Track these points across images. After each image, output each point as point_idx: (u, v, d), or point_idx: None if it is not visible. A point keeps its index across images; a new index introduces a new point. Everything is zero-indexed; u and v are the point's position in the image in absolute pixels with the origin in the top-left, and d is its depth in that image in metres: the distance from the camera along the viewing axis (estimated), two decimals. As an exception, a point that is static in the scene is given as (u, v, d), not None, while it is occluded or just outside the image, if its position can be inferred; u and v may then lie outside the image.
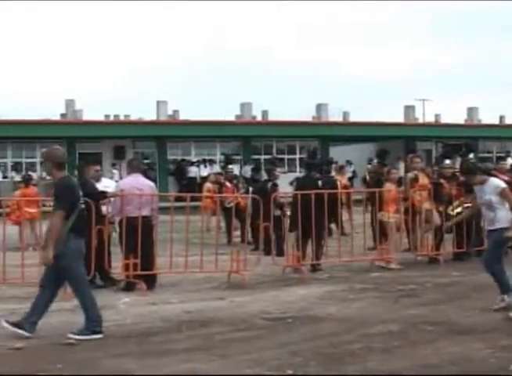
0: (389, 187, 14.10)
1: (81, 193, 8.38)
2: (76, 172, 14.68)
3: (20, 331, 8.13)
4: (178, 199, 17.33)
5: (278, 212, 14.23)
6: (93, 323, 8.24)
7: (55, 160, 8.34)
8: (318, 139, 40.61)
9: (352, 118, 43.69)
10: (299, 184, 14.53)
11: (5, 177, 34.68)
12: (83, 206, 8.45)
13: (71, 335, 8.08)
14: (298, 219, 13.06)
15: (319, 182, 13.90)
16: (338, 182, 16.59)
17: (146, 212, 11.41)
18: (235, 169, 30.65)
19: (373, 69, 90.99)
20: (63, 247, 8.02)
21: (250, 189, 17.46)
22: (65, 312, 9.73)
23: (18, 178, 31.44)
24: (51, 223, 8.16)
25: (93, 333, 8.16)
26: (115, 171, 33.95)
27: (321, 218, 13.10)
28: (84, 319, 8.27)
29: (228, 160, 36.84)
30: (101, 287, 11.43)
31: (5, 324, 8.21)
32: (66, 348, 7.77)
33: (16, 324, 8.20)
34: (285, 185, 18.87)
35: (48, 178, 31.48)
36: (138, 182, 11.69)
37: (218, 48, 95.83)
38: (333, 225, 16.72)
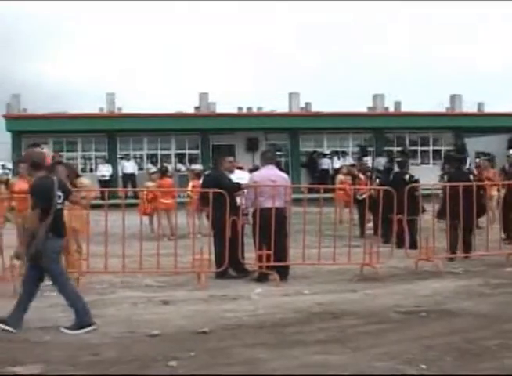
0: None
1: (59, 193, 8.40)
2: (210, 164, 14.96)
3: (6, 328, 8.24)
4: (310, 191, 17.30)
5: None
6: (82, 315, 8.36)
7: (33, 162, 8.55)
8: (451, 131, 39.67)
9: (487, 109, 42.33)
10: (452, 178, 14.42)
11: (140, 169, 35.56)
12: (60, 206, 8.48)
13: (64, 330, 8.22)
14: (447, 211, 12.97)
15: (471, 177, 13.91)
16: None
17: (279, 204, 11.44)
18: (369, 161, 30.38)
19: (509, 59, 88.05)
20: (41, 247, 8.16)
21: (377, 180, 17.32)
22: (197, 300, 9.92)
23: (153, 169, 32.26)
24: (27, 222, 8.37)
25: (82, 327, 8.23)
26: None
27: (471, 212, 13.00)
28: (74, 313, 8.37)
29: (363, 152, 36.57)
30: (234, 278, 11.58)
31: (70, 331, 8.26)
32: (201, 336, 7.89)
33: (1, 321, 8.33)
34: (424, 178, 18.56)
35: (185, 168, 32.05)
36: (272, 174, 11.75)
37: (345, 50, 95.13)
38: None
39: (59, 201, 8.35)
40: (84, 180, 12.07)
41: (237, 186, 11.90)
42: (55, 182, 8.38)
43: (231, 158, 12.87)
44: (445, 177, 16.16)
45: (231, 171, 12.61)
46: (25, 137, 36.09)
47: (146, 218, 15.87)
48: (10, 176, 30.62)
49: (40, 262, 8.19)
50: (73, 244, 11.32)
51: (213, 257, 11.41)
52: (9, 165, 38.97)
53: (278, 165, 12.69)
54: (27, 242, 8.28)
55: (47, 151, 35.27)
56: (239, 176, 12.95)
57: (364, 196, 15.05)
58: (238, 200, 11.86)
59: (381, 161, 34.53)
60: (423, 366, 6.69)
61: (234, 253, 11.31)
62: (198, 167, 29.73)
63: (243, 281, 11.42)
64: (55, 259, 8.38)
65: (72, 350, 7.34)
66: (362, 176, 19.30)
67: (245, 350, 7.31)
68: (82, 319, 8.25)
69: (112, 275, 11.48)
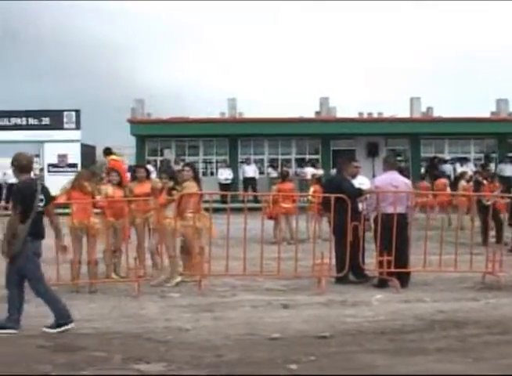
0: None
1: (41, 197, 8.46)
2: (332, 169, 14.87)
3: (7, 331, 8.36)
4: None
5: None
6: (60, 316, 8.45)
7: (18, 164, 8.66)
8: None
9: None
10: None
11: (261, 173, 35.84)
12: (41, 209, 8.52)
13: (44, 329, 8.34)
14: None
15: None
16: None
17: (401, 209, 11.34)
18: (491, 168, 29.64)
19: None
20: (21, 249, 8.27)
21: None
22: (317, 305, 9.95)
23: (274, 174, 32.43)
24: (7, 224, 8.38)
25: (60, 325, 8.36)
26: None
27: None
28: (53, 314, 8.47)
29: (488, 159, 35.75)
30: (354, 283, 11.54)
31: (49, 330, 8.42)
32: (321, 340, 7.91)
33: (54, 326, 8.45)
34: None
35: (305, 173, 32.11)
36: (394, 179, 11.66)
37: (466, 51, 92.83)
38: None
39: (41, 205, 8.50)
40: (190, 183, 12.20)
41: (359, 192, 11.88)
42: (39, 186, 8.60)
43: (356, 163, 12.83)
44: None
45: (354, 176, 12.58)
46: (149, 141, 37.01)
47: (268, 222, 15.96)
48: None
49: (16, 262, 8.38)
50: (195, 247, 11.55)
51: (333, 262, 11.41)
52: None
53: (401, 171, 12.54)
54: (7, 243, 8.39)
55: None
56: (361, 181, 12.91)
57: (489, 202, 14.71)
58: (360, 205, 11.83)
59: (504, 168, 33.67)
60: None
61: (355, 258, 11.27)
62: (319, 171, 29.82)
63: (363, 287, 11.37)
64: (32, 259, 8.51)
65: (195, 350, 7.49)
66: (485, 182, 18.86)
67: (365, 356, 7.29)
68: (60, 320, 8.44)
69: (233, 278, 11.65)
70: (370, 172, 30.21)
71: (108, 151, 18.69)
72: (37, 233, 8.55)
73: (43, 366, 6.95)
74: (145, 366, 6.94)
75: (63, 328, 8.36)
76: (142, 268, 11.19)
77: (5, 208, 12.56)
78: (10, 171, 33.14)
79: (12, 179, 32.13)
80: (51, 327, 8.39)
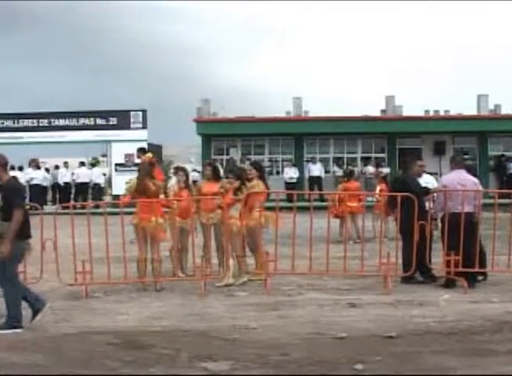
0: None
1: (24, 195, 8.57)
2: (397, 167, 14.76)
3: (18, 330, 8.44)
4: (500, 196, 16.76)
5: None
6: (12, 319, 8.47)
7: (5, 163, 8.67)
8: None
9: None
10: None
11: (327, 172, 35.76)
12: (27, 207, 8.58)
13: None
14: None
15: None
16: None
17: (469, 209, 11.19)
18: None
19: None
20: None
21: None
22: (383, 305, 9.90)
23: (339, 172, 32.34)
24: (13, 221, 8.36)
25: (13, 328, 8.40)
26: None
27: None
28: (6, 315, 8.51)
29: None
30: (421, 283, 11.44)
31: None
32: (387, 340, 7.87)
33: (9, 327, 8.48)
34: None
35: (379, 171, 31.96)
36: (462, 178, 11.52)
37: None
38: None
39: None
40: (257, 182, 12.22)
41: (425, 190, 11.78)
42: (21, 185, 8.80)
43: (421, 162, 12.71)
44: None
45: (419, 175, 12.47)
46: (215, 140, 37.24)
47: (334, 221, 15.91)
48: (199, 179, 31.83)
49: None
50: (261, 245, 11.58)
51: (400, 261, 11.33)
52: (199, 168, 40.33)
53: (470, 170, 12.36)
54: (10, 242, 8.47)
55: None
56: (427, 180, 12.78)
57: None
58: (426, 204, 11.72)
59: None
60: None
61: (421, 258, 11.17)
62: (385, 170, 29.61)
63: (429, 286, 11.26)
64: (14, 261, 8.60)
65: (261, 349, 7.53)
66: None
67: (433, 357, 7.23)
68: (10, 322, 8.50)
69: (299, 276, 11.67)
70: (437, 171, 29.89)
71: (143, 151, 19.03)
72: (23, 233, 8.65)
73: (112, 363, 7.07)
74: (211, 365, 7.00)
75: (18, 330, 8.46)
76: (208, 266, 11.27)
77: (77, 207, 12.79)
78: (79, 171, 33.90)
79: (81, 179, 32.87)
80: (1, 327, 8.48)
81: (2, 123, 34.23)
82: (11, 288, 8.61)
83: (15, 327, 8.47)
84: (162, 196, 11.91)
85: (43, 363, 7.14)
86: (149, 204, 11.33)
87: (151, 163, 11.93)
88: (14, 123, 34.19)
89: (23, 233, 8.64)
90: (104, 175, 35.93)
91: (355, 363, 6.95)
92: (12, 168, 34.69)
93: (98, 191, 33.87)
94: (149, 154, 18.66)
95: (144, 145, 32.69)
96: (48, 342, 7.96)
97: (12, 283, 8.63)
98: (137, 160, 31.84)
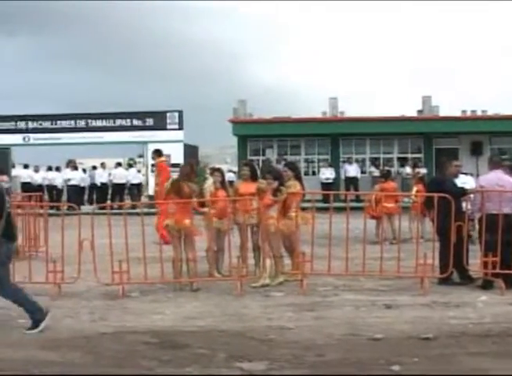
0: None
1: (7, 198, 8.43)
2: (434, 168, 14.67)
3: (42, 325, 8.46)
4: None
5: None
6: (34, 315, 8.48)
7: None
8: None
9: None
10: None
11: (363, 172, 35.68)
12: (9, 210, 8.47)
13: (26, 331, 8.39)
14: None
15: None
16: None
17: (507, 210, 11.09)
18: None
19: None
20: None
21: None
22: (420, 306, 9.84)
23: (376, 173, 32.23)
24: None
25: (38, 323, 8.44)
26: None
27: None
28: (28, 314, 8.52)
29: None
30: (458, 285, 11.35)
31: (30, 331, 8.43)
32: (424, 342, 7.82)
33: (33, 327, 8.48)
34: None
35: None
36: (500, 179, 11.41)
37: None
38: None
39: (8, 205, 8.52)
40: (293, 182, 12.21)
41: (462, 191, 11.69)
42: (3, 187, 8.66)
43: (457, 162, 12.61)
44: None
45: (456, 176, 12.38)
46: (250, 141, 37.30)
47: (370, 222, 15.84)
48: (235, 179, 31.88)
49: None
50: (298, 246, 11.57)
51: (437, 262, 11.25)
52: (235, 169, 40.40)
53: (508, 170, 12.21)
54: None
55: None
56: (464, 181, 12.68)
57: None
58: (463, 204, 11.63)
59: None
60: None
61: (459, 259, 11.09)
62: (423, 170, 29.42)
63: (466, 288, 11.17)
64: (4, 263, 8.54)
65: (297, 349, 7.53)
66: None
67: (469, 359, 7.17)
68: (36, 318, 8.49)
69: (335, 277, 11.65)
70: (474, 172, 29.65)
71: (159, 153, 19.21)
72: (10, 235, 8.59)
73: (149, 363, 7.12)
74: (247, 365, 7.02)
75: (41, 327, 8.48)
76: (244, 267, 11.29)
77: (114, 207, 12.88)
78: (116, 172, 34.23)
79: (118, 179, 33.11)
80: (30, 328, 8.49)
81: (40, 124, 34.65)
82: (8, 289, 8.62)
83: (40, 321, 8.49)
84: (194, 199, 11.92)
85: (79, 362, 7.21)
86: (184, 205, 11.38)
87: (191, 166, 11.99)
88: (52, 124, 34.59)
89: (11, 234, 8.62)
90: (143, 175, 36.12)
91: (392, 365, 6.92)
92: (50, 168, 35.20)
93: (135, 191, 34.02)
94: (163, 157, 18.98)
95: (180, 145, 33.05)
96: (85, 341, 8.04)
97: (8, 285, 8.62)
98: (151, 162, 32.28)
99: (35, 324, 8.47)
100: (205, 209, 12.07)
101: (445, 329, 8.42)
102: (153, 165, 29.16)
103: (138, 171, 35.96)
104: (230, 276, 11.34)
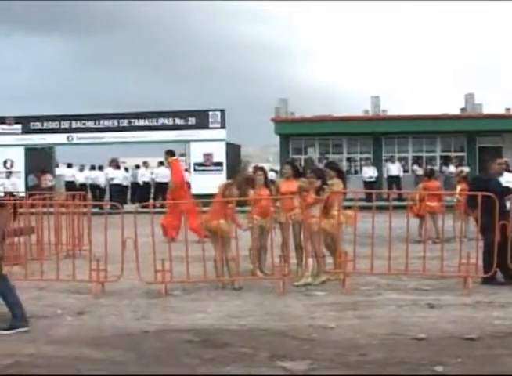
0: None
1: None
2: (477, 166, 14.50)
3: (22, 329, 8.38)
4: None
5: None
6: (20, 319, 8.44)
7: None
8: None
9: None
10: None
11: (405, 171, 35.46)
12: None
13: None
14: None
15: None
16: None
17: (551, 209, 10.97)
18: None
19: None
20: None
21: None
22: (463, 306, 9.75)
23: (420, 171, 32.00)
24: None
25: (15, 328, 8.35)
26: None
27: None
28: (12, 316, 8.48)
29: None
30: (502, 284, 11.23)
31: (4, 332, 8.34)
32: (468, 342, 7.75)
33: (11, 328, 8.39)
34: None
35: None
36: (544, 177, 11.30)
37: None
38: None
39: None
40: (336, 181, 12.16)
41: (506, 190, 11.55)
42: None
43: (502, 160, 12.47)
44: None
45: (500, 174, 12.24)
46: (292, 140, 37.27)
47: (413, 221, 15.73)
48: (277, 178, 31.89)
49: None
50: (340, 245, 11.54)
51: (480, 262, 11.14)
52: (277, 167, 40.38)
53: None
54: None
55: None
56: (508, 179, 12.53)
57: None
58: (508, 203, 11.50)
59: None
60: None
61: (503, 258, 10.97)
62: (466, 169, 29.14)
63: (510, 288, 11.04)
64: None
65: (339, 349, 7.51)
66: None
67: (516, 359, 7.11)
68: (18, 322, 8.43)
69: (377, 276, 11.59)
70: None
71: (171, 153, 19.36)
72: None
73: (191, 361, 7.15)
74: (290, 364, 7.01)
75: (18, 330, 8.41)
76: (287, 266, 11.28)
77: (157, 206, 12.96)
78: (158, 171, 34.49)
79: (160, 178, 33.28)
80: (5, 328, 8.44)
81: (84, 124, 34.96)
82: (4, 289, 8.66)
83: (15, 327, 8.44)
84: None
85: (122, 360, 7.27)
86: (221, 206, 11.43)
87: (250, 179, 12.24)
88: (95, 123, 34.88)
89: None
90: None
91: (435, 365, 6.87)
92: (93, 167, 35.53)
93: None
94: (175, 157, 19.20)
95: (222, 144, 33.12)
96: (128, 339, 8.10)
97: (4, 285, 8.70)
98: (194, 161, 32.52)
99: (12, 326, 8.45)
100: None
101: (488, 329, 8.33)
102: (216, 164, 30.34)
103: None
104: (273, 275, 11.34)
